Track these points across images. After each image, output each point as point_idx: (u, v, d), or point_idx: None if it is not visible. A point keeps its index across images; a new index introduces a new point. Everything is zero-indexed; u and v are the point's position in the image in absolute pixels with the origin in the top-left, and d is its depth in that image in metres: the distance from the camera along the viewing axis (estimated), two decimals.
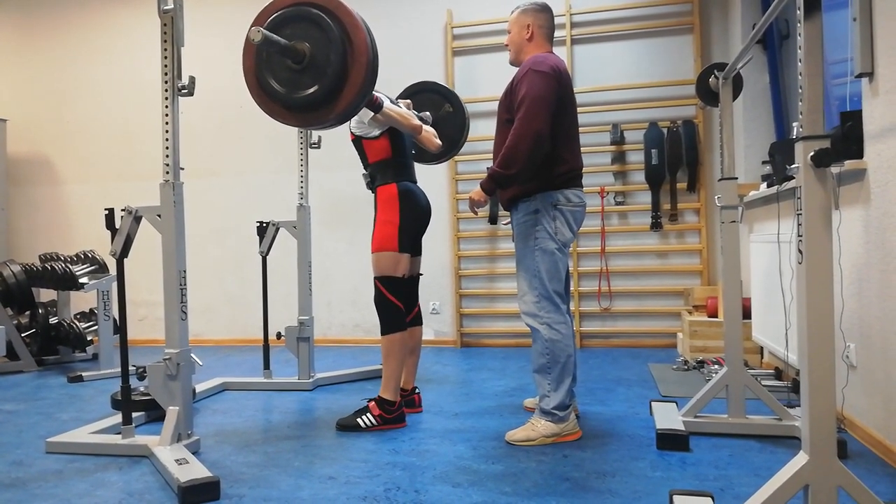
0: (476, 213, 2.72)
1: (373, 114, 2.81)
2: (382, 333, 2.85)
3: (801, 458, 1.62)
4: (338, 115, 2.34)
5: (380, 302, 2.86)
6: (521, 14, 2.74)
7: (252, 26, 2.24)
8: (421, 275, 3.17)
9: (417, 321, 3.13)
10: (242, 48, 2.42)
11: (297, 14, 2.29)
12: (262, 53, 2.36)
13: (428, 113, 3.42)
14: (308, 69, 2.30)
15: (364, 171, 3.03)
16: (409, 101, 3.28)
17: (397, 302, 2.85)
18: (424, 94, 3.54)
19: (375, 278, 2.87)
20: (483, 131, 4.94)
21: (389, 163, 2.93)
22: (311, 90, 2.29)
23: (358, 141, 2.98)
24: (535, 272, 2.57)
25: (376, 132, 2.91)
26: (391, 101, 2.95)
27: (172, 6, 2.41)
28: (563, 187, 2.58)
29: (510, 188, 2.62)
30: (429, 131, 3.10)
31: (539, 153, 2.48)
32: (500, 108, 2.69)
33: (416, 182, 3.03)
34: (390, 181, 2.90)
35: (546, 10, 2.74)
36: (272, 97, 2.37)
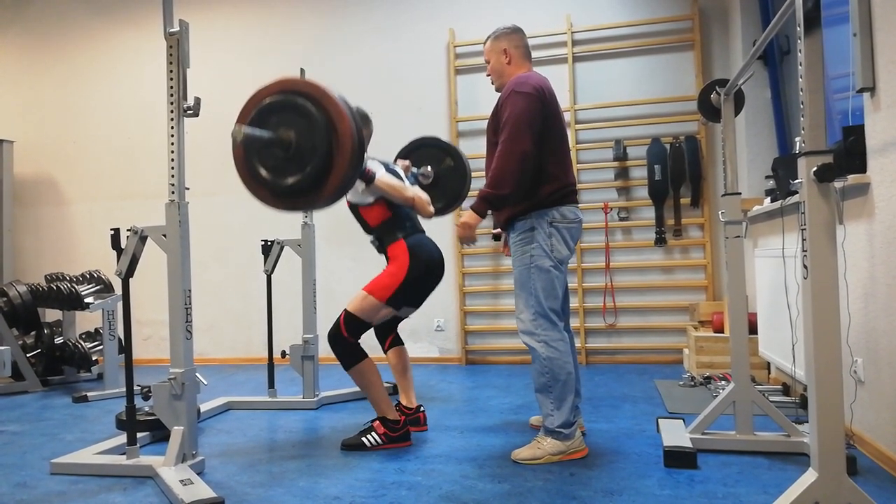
0: (464, 245, 2.67)
1: (366, 185, 2.82)
2: (345, 369, 2.77)
3: (810, 476, 1.61)
4: (325, 199, 2.34)
5: (333, 336, 2.77)
6: (494, 41, 2.76)
7: (236, 123, 2.24)
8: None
9: (398, 341, 3.16)
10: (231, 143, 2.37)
11: (284, 103, 2.27)
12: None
13: (429, 167, 3.42)
14: (294, 157, 2.27)
15: (370, 239, 3.00)
16: (406, 161, 3.28)
17: (350, 339, 2.77)
18: (424, 150, 3.54)
19: (346, 311, 2.79)
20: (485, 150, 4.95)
21: (392, 221, 2.91)
22: (297, 177, 2.27)
23: (354, 208, 2.97)
24: (532, 290, 2.56)
25: (370, 199, 2.90)
26: (386, 168, 2.93)
27: (178, 29, 2.44)
28: (558, 204, 2.59)
29: (503, 209, 2.63)
30: (422, 199, 2.95)
31: (527, 172, 2.50)
32: (489, 131, 2.70)
33: (423, 231, 3.00)
34: (398, 237, 2.88)
35: (517, 30, 2.77)
36: (260, 184, 2.35)
